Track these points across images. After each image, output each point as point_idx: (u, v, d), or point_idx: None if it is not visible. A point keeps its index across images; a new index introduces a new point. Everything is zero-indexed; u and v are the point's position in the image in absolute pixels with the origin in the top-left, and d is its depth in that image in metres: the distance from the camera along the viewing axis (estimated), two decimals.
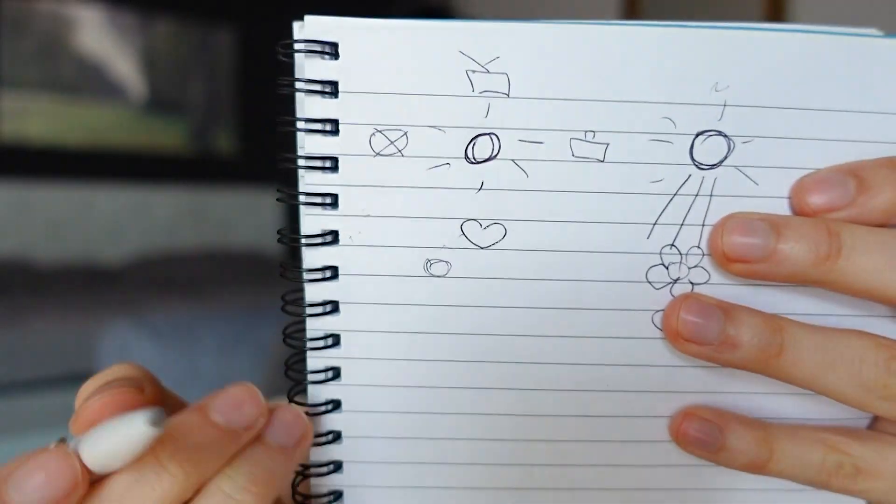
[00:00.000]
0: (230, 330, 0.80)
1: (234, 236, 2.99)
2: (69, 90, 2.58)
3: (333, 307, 0.18)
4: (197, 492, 0.16)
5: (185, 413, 0.17)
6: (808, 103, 0.17)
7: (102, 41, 2.65)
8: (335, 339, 0.19)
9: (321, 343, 0.19)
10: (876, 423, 0.19)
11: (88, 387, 0.18)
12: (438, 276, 0.18)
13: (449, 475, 0.20)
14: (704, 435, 0.18)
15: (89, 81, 2.62)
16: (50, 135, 2.55)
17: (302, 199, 0.18)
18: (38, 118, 2.53)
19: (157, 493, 0.15)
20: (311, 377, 0.19)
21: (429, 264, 0.18)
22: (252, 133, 3.06)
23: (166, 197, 2.81)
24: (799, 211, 0.17)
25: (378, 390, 0.19)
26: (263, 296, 2.16)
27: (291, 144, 0.19)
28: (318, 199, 0.18)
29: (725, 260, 0.17)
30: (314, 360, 0.19)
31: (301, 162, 0.18)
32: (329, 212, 0.18)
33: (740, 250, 0.17)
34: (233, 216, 3.00)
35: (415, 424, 0.19)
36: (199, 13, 2.88)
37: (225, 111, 2.98)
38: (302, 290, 0.19)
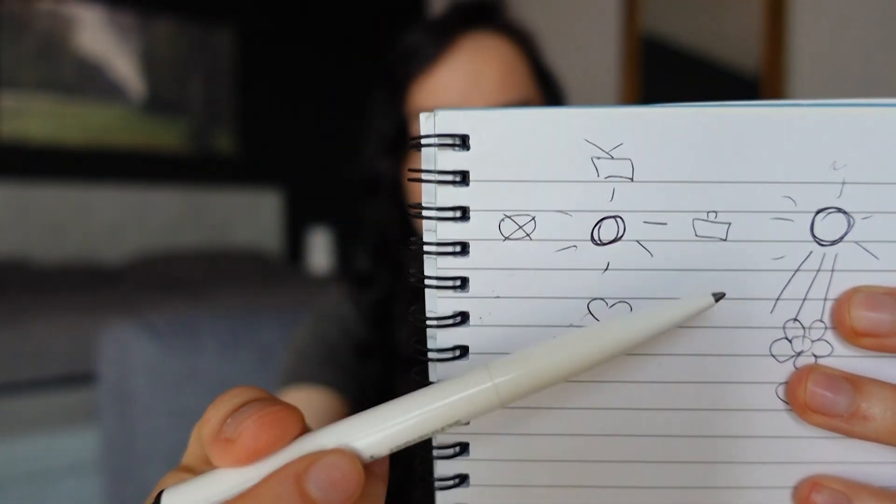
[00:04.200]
0: (230, 330, 0.80)
1: (234, 236, 2.99)
2: (69, 90, 2.58)
3: None
4: None
5: (276, 480, 0.15)
6: None
7: (102, 41, 2.65)
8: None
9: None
10: None
11: (227, 407, 0.17)
12: None
13: None
14: None
15: (89, 81, 2.62)
16: (49, 135, 2.55)
17: (434, 282, 0.18)
18: (37, 118, 2.53)
19: None
20: (437, 452, 0.19)
21: None
22: (252, 133, 3.06)
23: (166, 197, 2.82)
24: None
25: (505, 465, 0.20)
26: (263, 296, 2.16)
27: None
28: (450, 283, 0.18)
29: (854, 334, 0.17)
30: (443, 438, 0.19)
31: (433, 248, 0.18)
32: (460, 294, 0.18)
33: (869, 324, 0.17)
34: (232, 216, 3.00)
35: (539, 498, 0.20)
36: (199, 13, 2.88)
37: (225, 111, 2.98)
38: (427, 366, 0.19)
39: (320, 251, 2.99)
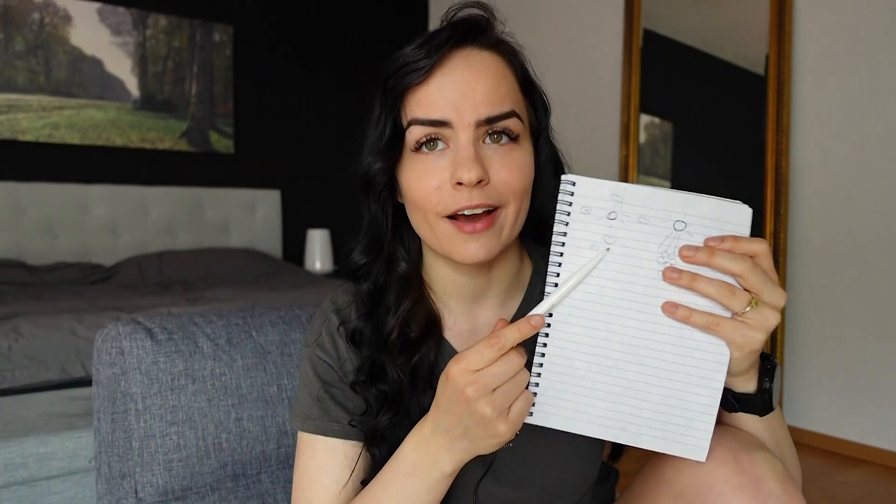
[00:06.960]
0: (226, 330, 0.80)
1: (231, 235, 2.99)
2: (64, 88, 2.58)
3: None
4: None
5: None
6: None
7: (98, 39, 2.65)
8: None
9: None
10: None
11: None
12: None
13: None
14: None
15: (84, 79, 2.62)
16: (45, 133, 2.54)
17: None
18: (32, 116, 2.52)
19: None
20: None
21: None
22: (248, 132, 3.05)
23: (163, 196, 2.81)
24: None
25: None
26: (259, 296, 2.15)
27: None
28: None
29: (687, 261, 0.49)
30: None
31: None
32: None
33: (690, 258, 0.48)
34: (230, 216, 2.99)
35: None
36: (195, 11, 2.88)
37: (222, 110, 2.97)
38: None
39: (316, 252, 2.99)
